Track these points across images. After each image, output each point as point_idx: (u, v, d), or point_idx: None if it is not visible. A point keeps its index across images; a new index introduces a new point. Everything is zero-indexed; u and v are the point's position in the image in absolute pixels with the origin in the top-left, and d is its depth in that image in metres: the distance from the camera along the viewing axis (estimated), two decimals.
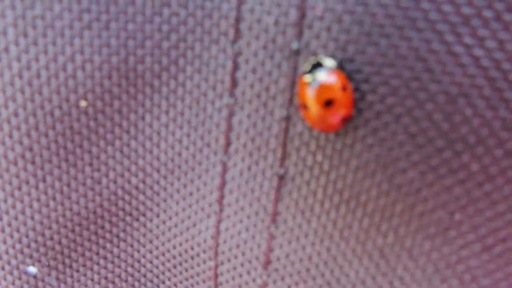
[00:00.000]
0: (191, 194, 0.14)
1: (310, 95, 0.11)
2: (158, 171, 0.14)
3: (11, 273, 0.15)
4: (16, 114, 0.13)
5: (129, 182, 0.14)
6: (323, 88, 0.11)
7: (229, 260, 0.14)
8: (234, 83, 0.12)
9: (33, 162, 0.13)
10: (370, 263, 0.12)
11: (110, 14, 0.12)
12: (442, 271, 0.12)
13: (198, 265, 0.15)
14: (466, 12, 0.10)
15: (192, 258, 0.15)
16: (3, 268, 0.15)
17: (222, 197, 0.13)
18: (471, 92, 0.10)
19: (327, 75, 0.10)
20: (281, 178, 0.13)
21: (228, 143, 0.13)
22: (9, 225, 0.14)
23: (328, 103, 0.11)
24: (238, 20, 0.11)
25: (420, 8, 0.10)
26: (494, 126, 0.10)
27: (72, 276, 0.15)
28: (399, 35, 0.10)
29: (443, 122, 0.11)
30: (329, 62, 0.11)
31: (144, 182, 0.14)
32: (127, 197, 0.14)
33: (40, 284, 0.15)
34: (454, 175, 0.11)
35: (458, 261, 0.12)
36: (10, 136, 0.13)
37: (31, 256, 0.14)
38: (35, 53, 0.12)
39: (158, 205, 0.14)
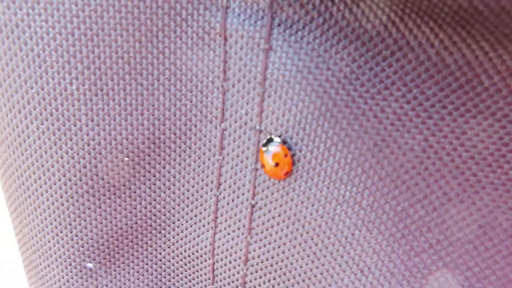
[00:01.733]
0: (195, 216, 0.21)
1: (266, 159, 0.18)
2: (170, 201, 0.21)
3: (75, 267, 0.22)
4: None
5: (154, 207, 0.21)
6: (273, 155, 0.18)
7: (221, 260, 0.22)
8: (223, 147, 0.20)
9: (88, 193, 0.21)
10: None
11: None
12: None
13: (201, 262, 0.22)
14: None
15: (197, 258, 0.22)
16: (70, 264, 0.22)
17: (215, 219, 0.21)
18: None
19: (275, 147, 0.18)
20: (253, 206, 0.20)
21: (219, 184, 0.20)
22: (76, 236, 0.22)
23: (276, 164, 0.18)
24: (223, 109, 0.19)
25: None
26: None
27: (115, 270, 0.23)
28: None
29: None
30: (277, 139, 0.18)
31: (164, 208, 0.21)
32: (153, 218, 0.22)
33: (94, 275, 0.23)
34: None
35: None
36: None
37: (89, 256, 0.22)
38: None
39: (173, 223, 0.22)
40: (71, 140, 0.19)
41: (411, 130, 0.17)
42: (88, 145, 0.19)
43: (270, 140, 0.18)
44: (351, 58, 0.17)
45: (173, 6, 0.17)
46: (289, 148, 0.18)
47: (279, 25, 0.17)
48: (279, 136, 0.18)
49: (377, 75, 0.17)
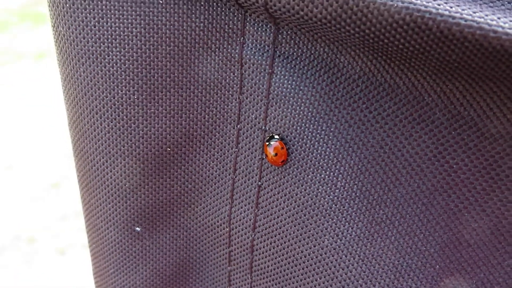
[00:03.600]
0: (217, 194, 0.29)
1: (268, 151, 0.26)
2: (198, 182, 0.29)
3: (127, 230, 0.31)
4: None
5: (187, 187, 0.30)
6: (273, 148, 0.26)
7: (235, 228, 0.30)
8: (238, 142, 0.27)
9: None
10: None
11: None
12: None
13: (220, 230, 0.30)
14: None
15: (217, 226, 0.30)
16: (123, 227, 0.31)
17: (232, 196, 0.29)
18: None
19: (275, 142, 0.26)
20: (260, 186, 0.28)
21: (235, 170, 0.28)
22: (129, 205, 0.30)
23: (275, 154, 0.26)
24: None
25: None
26: None
27: (156, 234, 0.31)
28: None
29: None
30: (276, 137, 0.26)
31: (194, 187, 0.30)
32: (185, 195, 0.30)
33: (140, 237, 0.31)
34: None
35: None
36: None
37: (137, 222, 0.30)
38: None
39: (200, 199, 0.30)
40: (130, 134, 0.28)
41: (376, 130, 0.24)
42: (142, 138, 0.28)
43: (271, 137, 0.26)
44: (328, 81, 0.24)
45: (206, 41, 0.25)
46: (285, 143, 0.26)
47: (279, 56, 0.25)
48: (278, 135, 0.26)
49: (347, 95, 0.24)
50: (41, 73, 2.79)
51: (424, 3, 0.19)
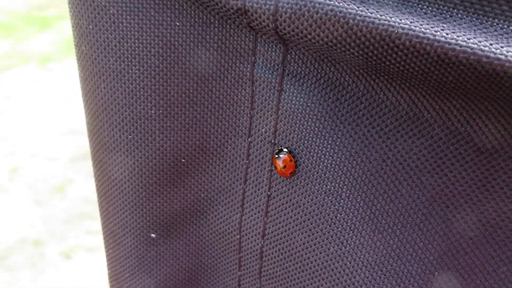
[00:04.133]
0: (228, 202, 0.31)
1: (277, 163, 0.28)
2: (211, 191, 0.31)
3: (143, 236, 0.32)
4: None
5: (200, 196, 0.31)
6: (282, 160, 0.27)
7: (245, 235, 0.31)
8: (249, 154, 0.29)
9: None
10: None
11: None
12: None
13: (231, 237, 0.32)
14: None
15: (229, 233, 0.32)
16: (139, 234, 0.32)
17: (242, 205, 0.31)
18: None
19: (283, 155, 0.27)
20: (269, 196, 0.30)
21: (245, 180, 0.30)
22: (145, 213, 0.32)
23: (284, 166, 0.27)
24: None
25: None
26: None
27: (170, 240, 0.33)
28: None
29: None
30: (285, 150, 0.28)
31: (206, 196, 0.31)
32: (198, 203, 0.32)
33: (155, 243, 0.33)
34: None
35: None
36: None
37: (153, 229, 0.32)
38: None
39: (212, 207, 0.32)
40: (147, 146, 0.29)
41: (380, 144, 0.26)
42: (159, 150, 0.30)
43: (280, 150, 0.28)
44: (334, 98, 0.26)
45: (219, 60, 0.27)
46: (293, 156, 0.28)
47: (288, 74, 0.27)
48: (287, 148, 0.28)
49: (351, 111, 0.26)
50: (45, 77, 2.82)
51: (423, 29, 0.21)
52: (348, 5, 0.22)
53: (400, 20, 0.21)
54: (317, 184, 0.27)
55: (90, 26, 0.27)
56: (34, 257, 1.67)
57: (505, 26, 0.22)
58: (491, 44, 0.21)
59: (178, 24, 0.27)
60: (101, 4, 0.26)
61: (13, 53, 3.06)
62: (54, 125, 2.43)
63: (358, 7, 0.22)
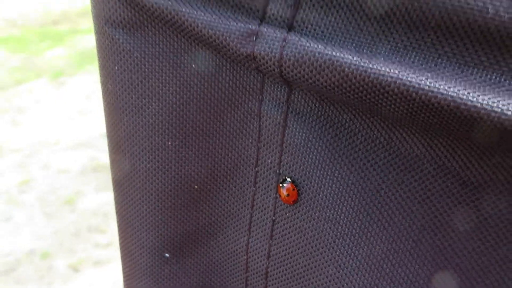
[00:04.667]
0: (236, 226, 0.34)
1: (282, 191, 0.31)
2: (220, 215, 0.34)
3: (157, 256, 0.35)
4: None
5: (210, 219, 0.34)
6: (286, 189, 0.30)
7: (252, 256, 0.34)
8: (256, 182, 0.32)
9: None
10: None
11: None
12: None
13: (239, 258, 0.35)
14: None
15: (236, 254, 0.35)
16: (154, 253, 0.35)
17: (249, 228, 0.34)
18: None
19: (287, 184, 0.30)
20: (274, 221, 0.32)
21: (252, 206, 0.33)
22: (161, 234, 0.35)
23: (287, 195, 0.30)
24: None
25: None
26: None
27: (182, 260, 0.36)
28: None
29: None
30: (289, 180, 0.31)
31: (217, 219, 0.34)
32: (209, 226, 0.35)
33: (169, 262, 0.36)
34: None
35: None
36: None
37: (167, 249, 0.35)
38: None
39: (222, 230, 0.35)
40: (164, 174, 0.33)
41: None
42: (174, 177, 0.33)
43: (284, 180, 0.31)
44: (333, 134, 0.29)
45: (230, 98, 0.31)
46: (296, 185, 0.31)
47: (292, 112, 0.30)
48: (290, 178, 0.31)
49: (349, 146, 0.29)
50: (57, 91, 2.89)
51: (409, 78, 0.24)
52: (344, 55, 0.25)
53: (390, 69, 0.24)
54: (317, 211, 0.30)
55: (116, 67, 0.31)
56: (42, 270, 1.70)
57: (484, 75, 0.25)
58: (468, 93, 0.24)
59: (194, 66, 0.30)
60: (126, 48, 0.30)
61: (26, 67, 3.14)
62: (65, 138, 2.49)
63: (353, 57, 0.25)
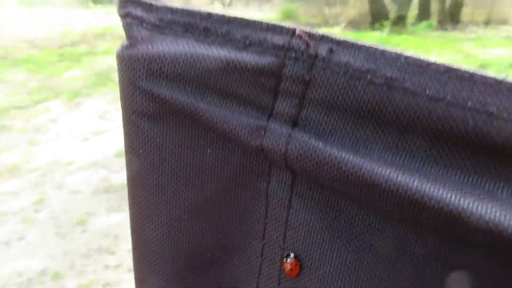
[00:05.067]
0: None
1: (285, 265, 0.34)
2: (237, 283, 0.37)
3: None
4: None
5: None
6: (289, 263, 0.34)
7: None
8: (263, 254, 0.36)
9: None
10: None
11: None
12: None
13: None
14: None
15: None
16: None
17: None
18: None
19: (291, 259, 0.34)
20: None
21: (259, 274, 0.36)
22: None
23: (290, 269, 0.34)
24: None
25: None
26: None
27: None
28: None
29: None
30: (292, 255, 0.34)
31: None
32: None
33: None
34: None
35: None
36: None
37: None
38: None
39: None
40: (180, 243, 0.36)
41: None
42: (188, 246, 0.36)
43: (288, 255, 0.34)
44: (333, 216, 0.32)
45: (240, 179, 0.34)
46: (299, 260, 0.34)
47: (296, 194, 0.33)
48: (294, 253, 0.34)
49: (347, 227, 0.32)
50: (74, 111, 2.98)
51: (398, 179, 0.27)
52: (342, 153, 0.29)
53: (381, 169, 0.28)
54: (318, 285, 0.34)
55: (140, 150, 0.35)
56: None
57: (466, 177, 0.28)
58: (451, 196, 0.27)
59: (209, 150, 0.34)
60: (150, 135, 0.34)
61: (44, 87, 3.25)
62: (78, 159, 2.55)
63: (349, 156, 0.29)
